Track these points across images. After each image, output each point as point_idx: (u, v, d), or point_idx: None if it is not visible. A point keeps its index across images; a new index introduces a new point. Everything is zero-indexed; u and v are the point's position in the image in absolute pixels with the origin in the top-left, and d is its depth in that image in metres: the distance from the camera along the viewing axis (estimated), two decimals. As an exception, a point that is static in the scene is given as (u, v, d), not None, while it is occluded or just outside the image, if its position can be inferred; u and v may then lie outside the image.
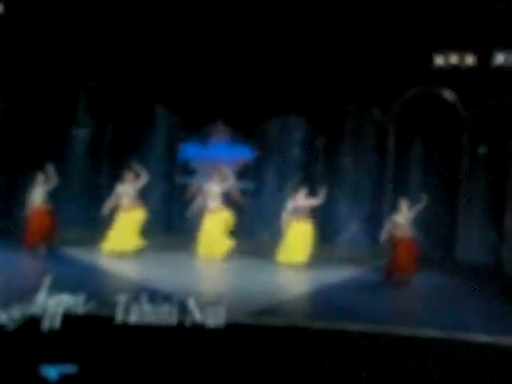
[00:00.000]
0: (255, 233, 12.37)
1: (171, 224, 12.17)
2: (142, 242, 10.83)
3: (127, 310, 6.93)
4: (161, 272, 9.91)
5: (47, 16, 11.68)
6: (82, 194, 12.53)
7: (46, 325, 6.73)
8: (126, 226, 10.77)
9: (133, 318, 6.91)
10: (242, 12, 11.65)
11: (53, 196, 10.97)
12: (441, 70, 11.66)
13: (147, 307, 6.98)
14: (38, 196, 10.89)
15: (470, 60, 11.56)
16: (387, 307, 9.01)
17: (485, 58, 11.44)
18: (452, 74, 11.64)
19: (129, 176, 10.79)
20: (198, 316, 6.96)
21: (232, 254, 10.93)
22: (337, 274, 10.44)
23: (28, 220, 10.89)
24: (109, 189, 11.37)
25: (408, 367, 6.80)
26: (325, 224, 12.11)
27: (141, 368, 6.63)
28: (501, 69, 11.34)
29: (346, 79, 12.02)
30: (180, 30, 11.92)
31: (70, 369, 6.39)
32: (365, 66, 11.84)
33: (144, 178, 10.78)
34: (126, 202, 10.81)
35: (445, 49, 11.63)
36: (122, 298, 6.96)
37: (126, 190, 10.80)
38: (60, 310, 6.80)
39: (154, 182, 11.84)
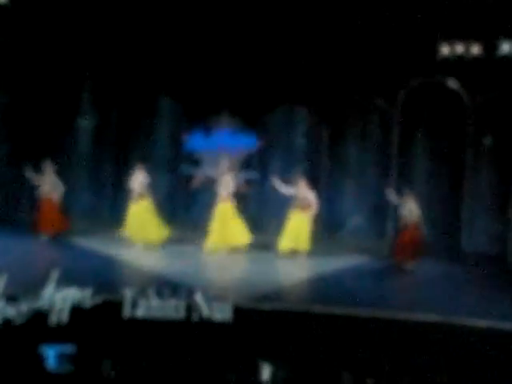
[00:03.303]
0: (259, 222, 12.37)
1: (176, 215, 12.19)
2: (164, 232, 10.86)
3: (134, 304, 6.97)
4: (166, 262, 9.99)
5: (52, 7, 11.63)
6: (86, 184, 12.55)
7: (53, 319, 6.77)
8: (140, 216, 10.81)
9: (140, 313, 6.96)
10: (247, 3, 11.60)
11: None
12: (446, 59, 11.59)
13: (154, 301, 7.02)
14: (46, 185, 11.01)
15: (475, 50, 11.49)
16: (389, 293, 9.23)
17: (490, 47, 11.38)
18: (457, 64, 11.58)
19: (139, 166, 10.83)
20: (205, 311, 7.01)
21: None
22: (340, 263, 10.57)
23: (38, 208, 11.03)
24: (114, 179, 11.42)
25: (408, 350, 7.01)
26: (329, 215, 12.15)
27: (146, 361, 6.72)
28: (506, 58, 11.28)
29: (350, 69, 11.96)
30: (184, 20, 11.86)
31: (68, 349, 6.45)
32: (369, 55, 11.78)
33: None
34: (135, 193, 10.88)
35: (450, 38, 11.55)
36: (129, 292, 7.01)
37: (137, 179, 10.84)
38: (67, 304, 6.83)
39: (158, 172, 11.88)
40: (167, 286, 7.44)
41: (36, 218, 11.09)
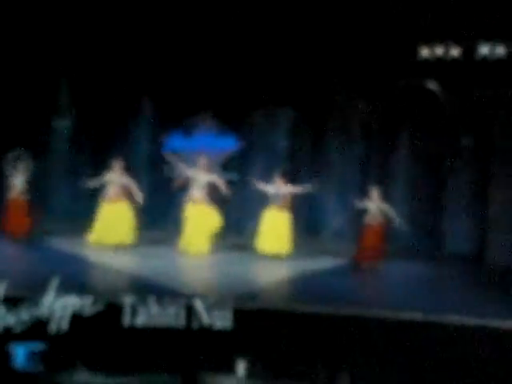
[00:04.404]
0: (238, 223, 12.32)
1: (155, 216, 12.10)
2: (130, 237, 10.74)
3: (134, 312, 6.88)
4: (145, 265, 9.90)
5: (31, 6, 11.53)
6: (65, 185, 12.43)
7: (53, 327, 6.67)
8: (111, 218, 10.66)
9: (140, 320, 6.87)
10: (227, 4, 11.58)
11: (35, 186, 10.99)
12: (426, 61, 11.66)
13: (154, 309, 6.93)
14: (17, 185, 10.91)
15: (455, 52, 11.57)
16: (369, 292, 9.37)
17: (470, 49, 11.46)
18: (437, 66, 11.65)
19: (116, 164, 10.72)
20: (205, 318, 6.93)
21: (217, 247, 10.93)
22: (320, 263, 10.60)
23: (6, 209, 10.93)
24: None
25: (386, 347, 7.04)
26: (311, 216, 12.14)
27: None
28: (485, 60, 11.36)
29: (331, 71, 12.00)
30: (165, 22, 11.80)
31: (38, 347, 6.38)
32: (350, 57, 11.82)
33: (134, 188, 10.68)
34: (111, 191, 10.74)
35: (430, 40, 11.62)
36: (128, 300, 6.92)
37: (113, 178, 10.71)
38: (67, 312, 6.73)
39: (138, 173, 11.77)
40: (146, 290, 7.41)
41: (4, 218, 10.91)
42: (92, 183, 10.74)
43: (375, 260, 10.46)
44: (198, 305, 6.92)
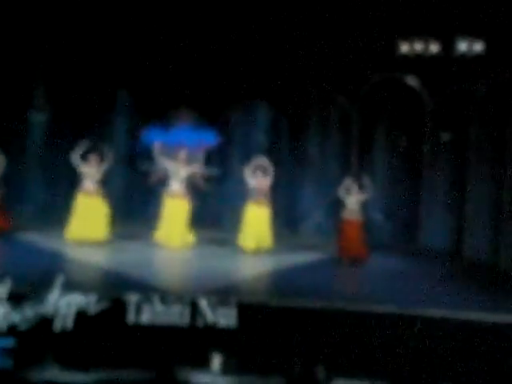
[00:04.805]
0: (218, 218, 12.30)
1: (132, 211, 12.04)
2: (107, 231, 10.65)
3: (138, 310, 6.84)
4: (122, 260, 9.84)
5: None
6: (41, 180, 12.30)
7: (58, 325, 6.62)
8: (88, 214, 10.55)
9: (144, 318, 6.85)
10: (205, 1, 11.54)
11: (9, 181, 10.88)
12: (405, 56, 11.72)
13: (159, 307, 6.90)
14: None
15: (434, 47, 11.64)
16: (348, 286, 9.41)
17: (448, 45, 11.54)
18: (416, 61, 11.72)
19: (93, 157, 10.64)
20: (209, 316, 6.91)
21: (196, 241, 10.90)
22: (299, 258, 10.60)
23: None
24: (69, 174, 11.22)
25: (362, 341, 7.06)
26: (290, 211, 12.15)
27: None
28: (463, 57, 11.44)
29: (310, 65, 12.01)
30: (143, 15, 11.72)
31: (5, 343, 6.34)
32: (330, 51, 11.85)
33: (110, 160, 10.66)
34: (87, 184, 10.64)
35: (409, 36, 11.68)
36: (133, 298, 6.88)
37: (90, 171, 10.62)
38: (72, 310, 6.68)
39: (115, 167, 11.71)
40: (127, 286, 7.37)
41: None
42: (74, 158, 10.55)
43: (360, 255, 10.44)
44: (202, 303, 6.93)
